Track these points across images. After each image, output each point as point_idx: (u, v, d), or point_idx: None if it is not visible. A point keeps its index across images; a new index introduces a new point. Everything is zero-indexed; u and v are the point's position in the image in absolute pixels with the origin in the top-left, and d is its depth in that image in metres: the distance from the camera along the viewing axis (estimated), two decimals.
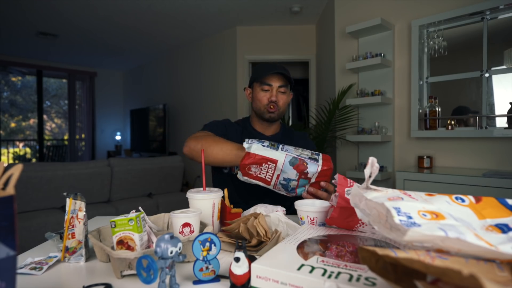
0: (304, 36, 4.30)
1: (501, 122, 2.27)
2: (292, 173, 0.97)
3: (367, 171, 0.59)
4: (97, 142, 7.19)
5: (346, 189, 0.77)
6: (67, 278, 0.66)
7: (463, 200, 0.51)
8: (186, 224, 0.75)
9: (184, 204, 1.25)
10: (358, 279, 0.46)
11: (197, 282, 0.61)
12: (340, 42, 3.20)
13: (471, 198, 0.52)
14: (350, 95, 3.02)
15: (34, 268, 0.68)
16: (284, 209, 0.92)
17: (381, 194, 0.53)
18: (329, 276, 0.47)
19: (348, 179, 0.79)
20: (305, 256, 0.54)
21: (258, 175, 0.99)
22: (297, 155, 0.98)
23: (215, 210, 0.85)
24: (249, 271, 0.53)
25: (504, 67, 2.24)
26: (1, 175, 0.47)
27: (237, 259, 0.53)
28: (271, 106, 1.29)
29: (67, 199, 0.74)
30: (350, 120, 2.96)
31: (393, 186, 2.69)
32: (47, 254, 0.76)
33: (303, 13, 3.92)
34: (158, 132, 5.96)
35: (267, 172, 0.99)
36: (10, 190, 0.44)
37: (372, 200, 0.48)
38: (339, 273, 0.48)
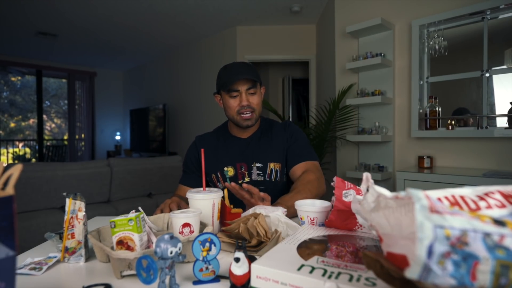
0: (304, 36, 4.30)
1: (502, 122, 2.27)
2: None
3: (363, 187, 0.60)
4: (97, 142, 7.19)
5: (344, 191, 0.77)
6: (67, 278, 0.66)
7: None
8: (186, 224, 0.75)
9: None
10: (358, 279, 0.46)
11: (197, 282, 0.61)
12: (340, 42, 3.20)
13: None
14: (350, 95, 3.02)
15: (34, 269, 0.68)
16: (285, 209, 0.92)
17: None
18: (329, 277, 0.46)
19: (346, 182, 0.79)
20: (305, 256, 0.54)
21: None
22: None
23: (215, 210, 0.85)
24: (249, 271, 0.53)
25: (504, 67, 2.24)
26: (1, 175, 0.46)
27: (237, 259, 0.52)
28: (245, 112, 1.25)
29: (67, 199, 0.74)
30: (350, 120, 2.96)
31: (393, 186, 2.69)
32: (46, 254, 0.76)
33: (303, 13, 3.92)
34: (158, 132, 5.96)
35: None
36: (10, 190, 0.44)
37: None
38: (339, 273, 0.48)
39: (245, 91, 1.23)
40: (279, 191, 1.29)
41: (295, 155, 1.30)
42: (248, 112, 1.25)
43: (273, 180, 1.28)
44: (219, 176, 1.30)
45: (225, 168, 1.30)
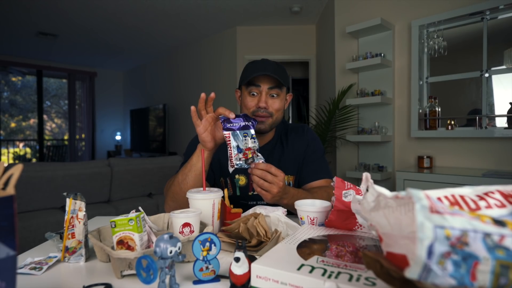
0: (304, 36, 4.30)
1: (501, 122, 2.27)
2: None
3: (363, 187, 0.60)
4: (97, 142, 7.19)
5: (344, 191, 0.77)
6: (67, 278, 0.66)
7: None
8: (186, 224, 0.75)
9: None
10: (358, 279, 0.46)
11: (197, 282, 0.61)
12: (340, 42, 3.20)
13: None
14: (350, 95, 3.02)
15: (34, 268, 0.68)
16: (285, 209, 0.92)
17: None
18: (329, 276, 0.47)
19: (346, 182, 0.79)
20: (305, 256, 0.54)
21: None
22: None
23: (215, 210, 0.85)
24: (249, 271, 0.53)
25: (504, 67, 2.24)
26: (1, 175, 0.47)
27: (237, 259, 0.53)
28: (260, 114, 1.10)
29: (67, 199, 0.74)
30: (350, 120, 2.96)
31: (393, 186, 2.69)
32: (47, 254, 0.76)
33: (303, 13, 3.92)
34: (158, 132, 5.96)
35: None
36: (10, 190, 0.44)
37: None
38: (339, 273, 0.48)
39: (266, 90, 1.09)
40: None
41: (312, 171, 1.18)
42: (263, 115, 1.10)
43: None
44: (229, 182, 1.21)
45: (237, 176, 1.19)
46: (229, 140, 0.94)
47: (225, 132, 0.94)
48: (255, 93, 1.11)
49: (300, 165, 1.22)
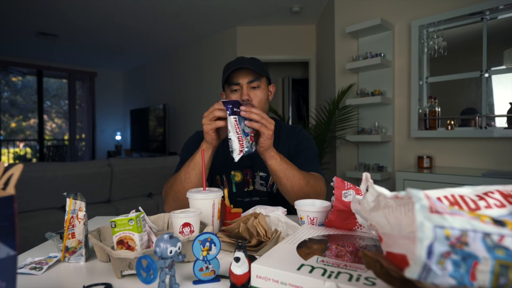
0: (304, 36, 4.30)
1: (501, 122, 2.27)
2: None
3: (363, 187, 0.61)
4: (97, 142, 7.19)
5: (343, 191, 0.77)
6: (67, 278, 0.66)
7: None
8: (186, 224, 0.75)
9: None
10: (358, 279, 0.46)
11: (197, 282, 0.61)
12: (340, 42, 3.20)
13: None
14: (350, 95, 3.02)
15: (34, 268, 0.68)
16: (285, 209, 0.92)
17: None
18: (329, 276, 0.47)
19: (346, 182, 0.79)
20: (305, 256, 0.54)
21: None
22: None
23: (215, 210, 0.85)
24: (249, 271, 0.53)
25: (503, 67, 2.24)
26: (2, 175, 0.47)
27: (237, 259, 0.53)
28: None
29: (67, 199, 0.74)
30: (350, 120, 2.96)
31: (393, 186, 2.69)
32: (47, 254, 0.76)
33: (303, 13, 3.92)
34: (158, 132, 5.96)
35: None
36: (11, 190, 0.44)
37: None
38: (339, 273, 0.48)
39: (246, 84, 1.11)
40: (280, 202, 1.15)
41: (301, 163, 1.15)
42: None
43: (275, 191, 1.20)
44: (225, 179, 1.22)
45: (232, 172, 1.21)
46: (237, 124, 0.92)
47: (232, 117, 0.92)
48: (236, 89, 1.14)
49: (291, 161, 1.21)
